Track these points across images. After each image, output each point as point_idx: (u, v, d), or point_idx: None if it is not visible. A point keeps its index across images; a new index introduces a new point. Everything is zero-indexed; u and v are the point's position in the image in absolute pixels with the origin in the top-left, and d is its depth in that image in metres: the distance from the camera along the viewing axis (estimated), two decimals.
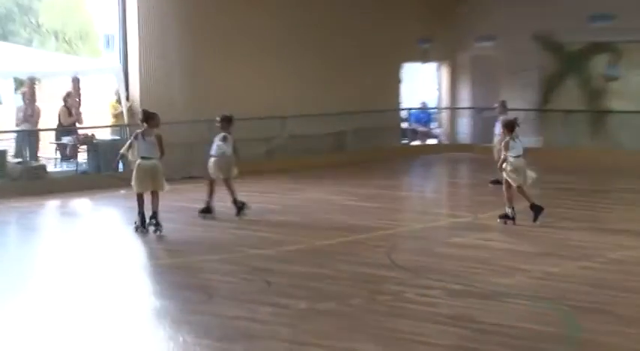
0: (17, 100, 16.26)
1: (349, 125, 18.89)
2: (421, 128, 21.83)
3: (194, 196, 12.08)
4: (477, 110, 20.78)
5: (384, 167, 17.81)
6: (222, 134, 11.51)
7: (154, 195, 10.63)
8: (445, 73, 21.82)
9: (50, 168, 15.41)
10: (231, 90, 16.94)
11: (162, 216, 10.75)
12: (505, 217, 10.96)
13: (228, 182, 11.56)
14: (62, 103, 15.85)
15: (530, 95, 20.14)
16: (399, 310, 7.15)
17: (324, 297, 7.54)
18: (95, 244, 10.26)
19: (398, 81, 20.76)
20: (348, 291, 7.75)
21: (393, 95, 20.60)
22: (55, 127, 15.85)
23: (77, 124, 15.91)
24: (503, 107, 14.60)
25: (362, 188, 14.62)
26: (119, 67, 16.09)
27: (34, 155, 15.07)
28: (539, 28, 19.84)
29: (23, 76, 15.76)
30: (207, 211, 11.56)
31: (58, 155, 15.89)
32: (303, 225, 11.24)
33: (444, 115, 21.92)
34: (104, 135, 16.04)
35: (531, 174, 11.05)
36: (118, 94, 16.16)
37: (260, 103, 17.17)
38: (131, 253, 9.93)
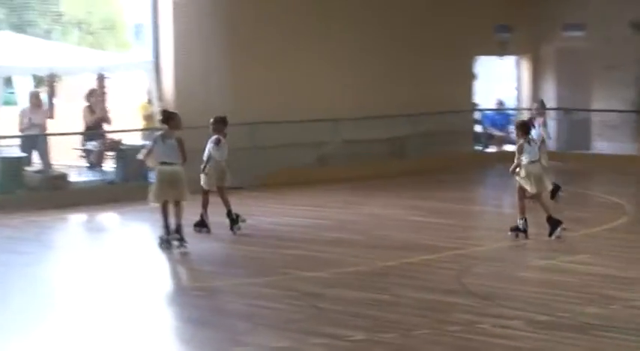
0: (24, 102, 16.18)
1: (412, 129, 18.83)
2: (497, 132, 21.68)
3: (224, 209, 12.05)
4: (563, 112, 20.48)
5: (454, 177, 17.71)
6: (215, 137, 11.68)
7: (177, 206, 10.76)
8: (526, 67, 21.71)
9: (73, 177, 15.55)
10: (277, 90, 17.05)
11: (189, 231, 10.95)
12: (516, 229, 11.22)
13: (221, 191, 11.77)
14: (85, 103, 16.01)
15: (627, 94, 19.91)
16: (470, 343, 7.10)
17: (384, 327, 7.52)
18: (121, 265, 10.41)
19: (471, 77, 20.67)
20: (412, 320, 7.73)
21: (464, 94, 20.51)
22: (82, 130, 15.97)
23: (104, 126, 16.06)
24: (541, 107, 14.41)
25: (428, 201, 14.75)
26: (150, 62, 16.21)
27: (48, 163, 15.26)
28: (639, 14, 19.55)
29: (42, 73, 15.91)
30: (201, 224, 11.75)
31: (83, 163, 16.04)
32: (359, 243, 11.25)
33: (525, 117, 21.81)
34: (133, 140, 16.06)
35: (547, 184, 11.30)
36: (149, 93, 16.32)
37: (310, 105, 17.30)
38: (160, 275, 10.08)
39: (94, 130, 15.93)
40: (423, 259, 10.14)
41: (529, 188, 11.11)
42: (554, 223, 11.09)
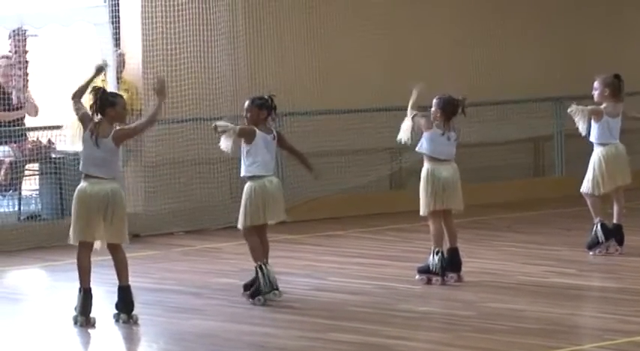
0: None
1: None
2: None
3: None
4: None
5: None
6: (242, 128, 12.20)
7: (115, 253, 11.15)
8: None
9: None
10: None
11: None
12: (427, 271, 12.71)
13: (261, 231, 12.25)
14: None
15: None
16: None
17: None
18: None
19: None
20: None
21: None
22: None
23: (22, 121, 16.17)
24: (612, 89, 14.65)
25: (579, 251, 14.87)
26: (104, 9, 16.34)
27: None
28: None
29: None
30: (252, 285, 12.24)
31: None
32: (464, 322, 11.29)
33: None
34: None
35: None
36: (103, 64, 16.01)
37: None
38: None
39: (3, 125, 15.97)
40: None
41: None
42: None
